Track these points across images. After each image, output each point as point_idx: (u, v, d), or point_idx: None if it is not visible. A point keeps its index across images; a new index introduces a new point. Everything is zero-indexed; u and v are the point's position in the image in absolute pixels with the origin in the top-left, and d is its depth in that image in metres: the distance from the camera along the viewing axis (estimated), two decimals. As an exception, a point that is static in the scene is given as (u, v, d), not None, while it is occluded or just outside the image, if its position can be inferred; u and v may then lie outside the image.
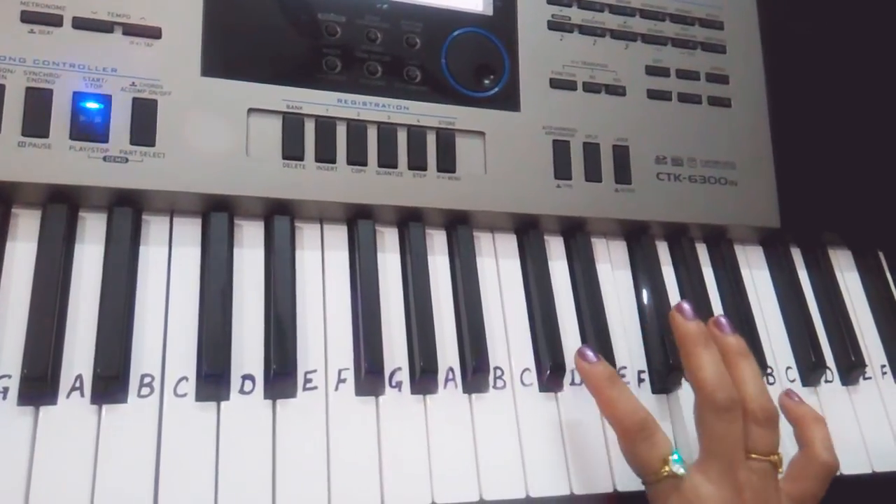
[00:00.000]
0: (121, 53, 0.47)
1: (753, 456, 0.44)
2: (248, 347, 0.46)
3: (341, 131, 0.50)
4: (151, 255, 0.47)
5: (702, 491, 0.43)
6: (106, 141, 0.45)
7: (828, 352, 0.60)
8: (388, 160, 0.51)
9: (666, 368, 0.53)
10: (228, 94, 0.48)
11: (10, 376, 0.41)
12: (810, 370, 0.58)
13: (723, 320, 0.49)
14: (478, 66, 0.55)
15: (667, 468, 0.43)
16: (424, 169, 0.52)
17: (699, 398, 0.46)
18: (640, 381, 0.54)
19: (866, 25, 0.68)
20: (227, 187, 0.47)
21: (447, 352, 0.50)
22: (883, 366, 0.61)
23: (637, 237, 0.58)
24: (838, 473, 0.54)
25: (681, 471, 0.43)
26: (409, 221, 0.52)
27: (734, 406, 0.45)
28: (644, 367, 0.54)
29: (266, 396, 0.45)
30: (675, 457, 0.44)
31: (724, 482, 0.43)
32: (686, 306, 0.48)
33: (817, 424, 0.49)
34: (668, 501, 0.44)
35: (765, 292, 0.61)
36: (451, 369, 0.49)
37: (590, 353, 0.47)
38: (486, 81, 0.55)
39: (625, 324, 0.55)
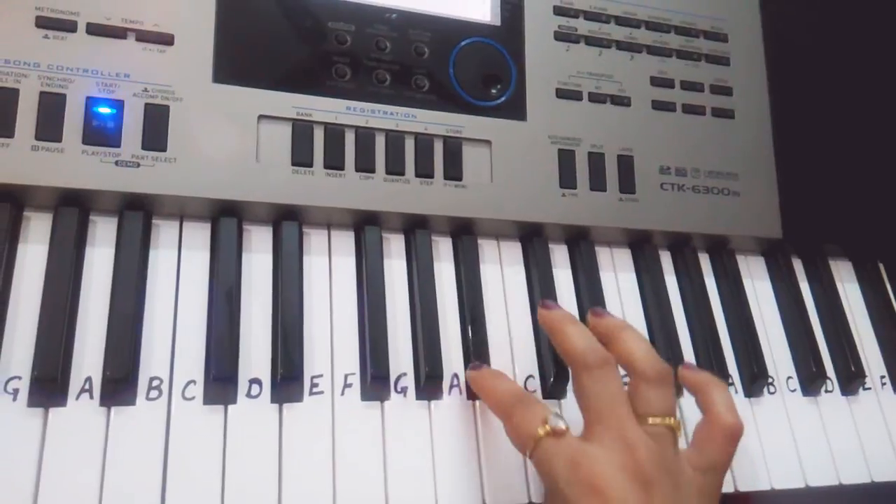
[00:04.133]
0: (134, 59, 0.47)
1: (649, 420, 0.42)
2: (255, 351, 0.46)
3: (350, 138, 0.51)
4: (161, 259, 0.47)
5: (587, 450, 0.40)
6: (118, 146, 0.46)
7: (828, 362, 0.60)
8: (395, 167, 0.51)
9: (668, 377, 0.54)
10: (239, 100, 0.49)
11: (20, 377, 0.42)
12: (810, 380, 0.58)
13: (598, 308, 0.49)
14: (485, 76, 0.55)
15: (546, 426, 0.41)
16: (431, 176, 0.52)
17: (572, 368, 0.44)
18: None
19: (869, 37, 0.69)
20: (236, 193, 0.48)
21: (452, 358, 0.50)
22: (882, 376, 0.62)
23: (641, 246, 0.59)
24: (838, 483, 0.54)
25: (561, 424, 0.41)
26: (416, 228, 0.53)
27: (606, 363, 0.43)
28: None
29: (273, 400, 0.45)
30: (554, 415, 0.42)
31: (611, 442, 0.40)
32: (549, 301, 0.49)
33: (717, 387, 0.46)
34: (553, 466, 0.40)
35: (766, 302, 0.62)
36: (456, 375, 0.50)
37: (475, 364, 0.49)
38: (493, 91, 0.55)
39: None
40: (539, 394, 0.51)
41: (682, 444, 0.45)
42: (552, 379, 0.51)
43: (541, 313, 0.48)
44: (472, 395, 0.49)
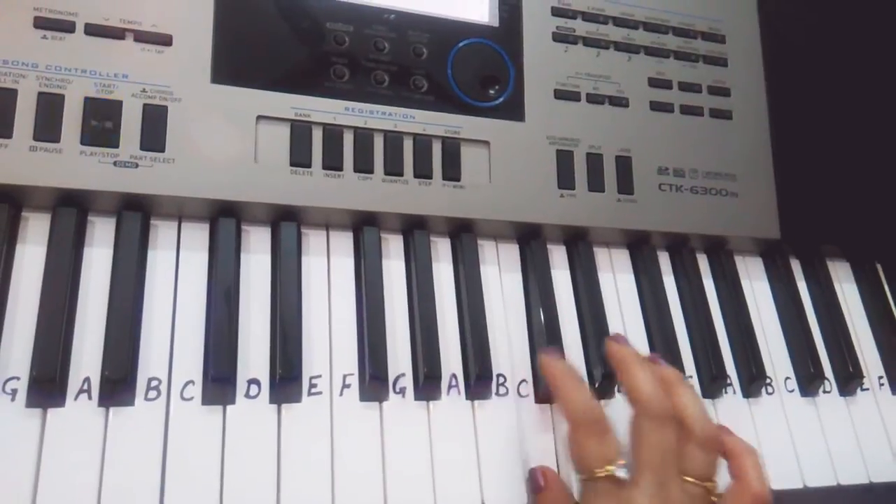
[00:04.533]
0: (132, 60, 0.47)
1: (688, 479, 0.44)
2: (253, 352, 0.46)
3: (348, 139, 0.51)
4: (159, 260, 0.47)
5: (633, 500, 0.43)
6: (116, 146, 0.46)
7: (826, 363, 0.60)
8: (394, 168, 0.51)
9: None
10: (238, 101, 0.49)
11: (18, 378, 0.42)
12: (808, 381, 0.58)
13: (655, 356, 0.50)
14: (483, 77, 0.55)
15: (609, 468, 0.43)
16: (430, 177, 0.52)
17: (636, 409, 0.46)
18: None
19: (867, 38, 0.69)
20: (235, 193, 0.48)
21: (450, 359, 0.50)
22: (880, 377, 0.62)
23: (639, 247, 0.59)
24: (836, 483, 0.55)
25: (622, 474, 0.43)
26: (414, 229, 0.53)
27: (668, 416, 0.45)
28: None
29: (271, 401, 0.45)
30: (622, 462, 0.43)
31: (655, 496, 0.43)
32: (621, 335, 0.50)
33: (749, 455, 0.47)
34: (596, 502, 0.43)
35: (764, 303, 0.62)
36: (455, 376, 0.50)
37: (552, 354, 0.49)
38: (492, 92, 0.56)
39: (626, 332, 0.56)
40: (531, 398, 0.51)
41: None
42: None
43: (610, 347, 0.49)
44: (470, 395, 0.49)
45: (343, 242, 0.52)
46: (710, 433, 0.46)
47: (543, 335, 0.52)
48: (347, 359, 0.48)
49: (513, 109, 0.56)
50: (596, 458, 0.44)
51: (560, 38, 0.58)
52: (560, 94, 0.57)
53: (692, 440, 0.45)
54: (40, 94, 0.45)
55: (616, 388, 0.53)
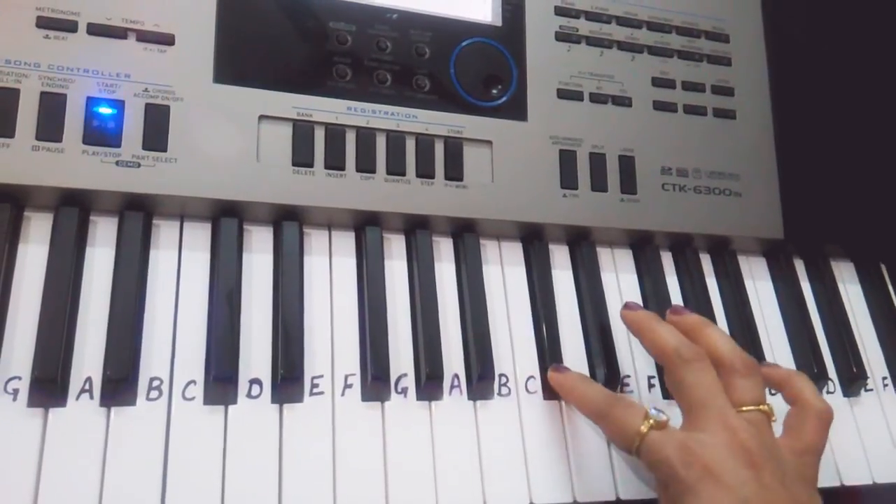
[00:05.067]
0: (134, 59, 0.47)
1: (744, 409, 0.44)
2: (255, 352, 0.46)
3: (350, 139, 0.51)
4: (161, 260, 0.47)
5: (693, 437, 0.42)
6: (118, 146, 0.46)
7: (830, 363, 0.60)
8: (396, 168, 0.51)
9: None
10: (240, 100, 0.49)
11: (20, 378, 0.42)
12: (812, 381, 0.58)
13: (677, 306, 0.51)
14: (486, 76, 0.55)
15: (648, 420, 0.43)
16: (432, 177, 0.52)
17: (666, 364, 0.46)
18: (651, 386, 0.54)
19: (872, 38, 0.69)
20: (237, 193, 0.48)
21: (452, 359, 0.50)
22: (884, 378, 0.62)
23: (642, 247, 0.59)
24: (840, 484, 0.54)
25: (663, 416, 0.43)
26: (417, 229, 0.53)
27: (700, 356, 0.45)
28: (654, 372, 0.54)
29: (273, 401, 0.45)
30: (654, 408, 0.43)
31: (715, 427, 0.42)
32: (631, 302, 0.51)
33: (801, 378, 0.49)
34: (665, 454, 0.42)
35: (768, 303, 0.61)
36: (457, 376, 0.50)
37: (559, 367, 0.50)
38: (494, 91, 0.55)
39: (630, 331, 0.55)
40: (540, 394, 0.51)
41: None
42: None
43: (625, 314, 0.50)
44: (473, 395, 0.49)
45: (345, 242, 0.52)
46: (747, 361, 0.46)
47: (546, 335, 0.52)
48: (349, 359, 0.48)
49: (516, 109, 0.55)
50: (635, 418, 0.43)
51: (563, 37, 0.58)
52: (563, 94, 0.57)
53: (733, 373, 0.45)
54: (42, 93, 0.45)
55: (618, 388, 0.52)
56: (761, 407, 0.44)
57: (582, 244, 0.57)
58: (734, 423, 0.42)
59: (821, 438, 0.46)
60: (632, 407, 0.44)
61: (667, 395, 0.54)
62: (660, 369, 0.54)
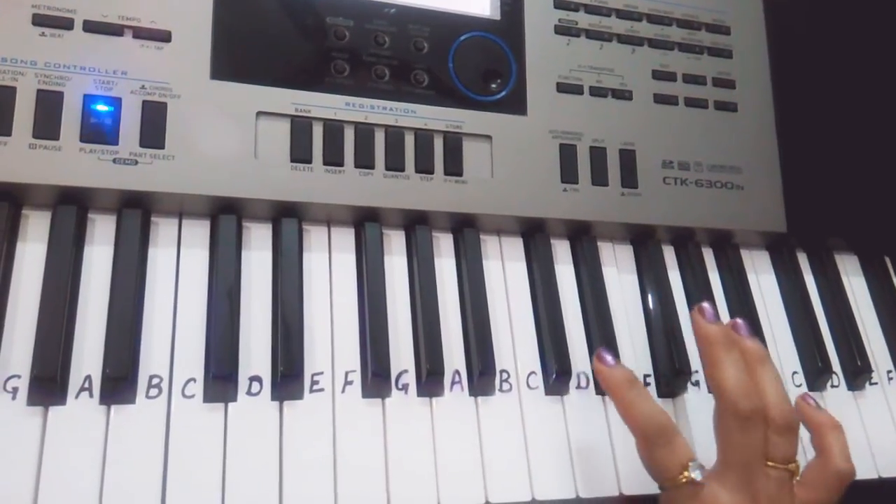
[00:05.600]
0: (131, 56, 0.47)
1: (770, 464, 0.43)
2: (255, 349, 0.46)
3: (349, 134, 0.51)
4: (160, 257, 0.47)
5: (720, 499, 0.42)
6: (116, 143, 0.46)
7: (834, 357, 0.60)
8: (395, 163, 0.51)
9: (672, 372, 0.53)
10: (237, 97, 0.49)
11: (19, 376, 0.42)
12: (816, 375, 0.58)
13: (741, 323, 0.47)
14: (485, 71, 0.55)
15: (686, 474, 0.42)
16: (431, 172, 0.52)
17: (721, 405, 0.44)
18: (646, 384, 0.54)
19: (873, 31, 0.68)
20: (235, 190, 0.48)
21: (453, 354, 0.50)
22: (889, 371, 0.61)
23: (643, 241, 0.58)
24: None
25: (699, 477, 0.42)
26: (416, 224, 0.52)
27: (756, 415, 0.43)
28: (650, 370, 0.54)
29: (273, 398, 0.45)
30: (694, 463, 0.43)
31: (741, 491, 0.42)
32: (707, 307, 0.47)
33: (835, 432, 0.47)
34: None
35: (771, 297, 0.61)
36: (458, 372, 0.49)
37: (608, 357, 0.46)
38: (493, 85, 0.55)
39: (630, 327, 0.55)
40: (542, 389, 0.51)
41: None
42: (555, 376, 0.50)
43: (698, 324, 0.46)
44: (474, 391, 0.49)
45: (344, 238, 0.51)
46: (789, 420, 0.44)
47: (548, 330, 0.52)
48: (349, 355, 0.48)
49: (515, 103, 0.55)
50: (672, 467, 0.43)
51: (562, 30, 0.58)
52: (563, 88, 0.57)
53: (773, 428, 0.44)
54: (39, 91, 0.45)
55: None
56: (789, 466, 0.44)
57: (583, 239, 0.56)
58: (758, 489, 0.42)
59: (835, 499, 0.46)
60: (676, 450, 0.43)
61: (663, 393, 0.54)
62: (656, 368, 0.54)
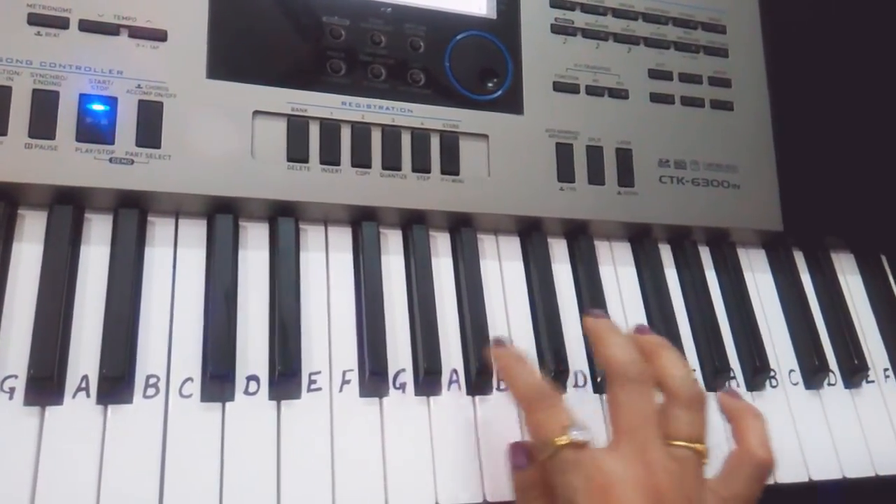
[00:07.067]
0: (127, 56, 0.47)
1: (675, 442, 0.41)
2: (252, 349, 0.46)
3: (346, 134, 0.51)
4: (157, 257, 0.47)
5: (607, 464, 0.39)
6: (112, 143, 0.45)
7: (830, 355, 0.60)
8: (392, 162, 0.51)
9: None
10: (234, 96, 0.48)
11: (16, 376, 0.41)
12: (813, 373, 0.58)
13: (642, 326, 0.48)
14: (481, 70, 0.55)
15: (566, 436, 0.39)
16: (428, 171, 0.52)
17: (609, 375, 0.43)
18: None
19: (869, 29, 0.68)
20: (232, 189, 0.47)
21: (451, 353, 0.50)
22: (886, 369, 0.62)
23: (640, 240, 0.58)
24: (842, 476, 0.54)
25: (581, 437, 0.40)
26: (413, 223, 0.52)
27: (644, 378, 0.42)
28: (647, 368, 0.54)
29: (270, 397, 0.45)
30: (577, 426, 0.40)
31: (633, 459, 0.39)
32: (596, 310, 0.48)
33: (754, 419, 0.45)
34: (569, 478, 0.39)
35: (767, 295, 0.61)
36: (455, 371, 0.49)
37: (503, 340, 0.46)
38: (490, 84, 0.55)
39: (627, 326, 0.55)
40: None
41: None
42: (552, 374, 0.50)
43: (586, 321, 0.46)
44: (471, 390, 0.49)
45: (341, 238, 0.51)
46: (692, 394, 0.42)
47: (545, 329, 0.52)
48: (347, 354, 0.48)
49: (511, 102, 0.55)
50: (553, 428, 0.40)
51: (559, 29, 0.58)
52: (559, 87, 0.57)
53: (676, 402, 0.42)
54: (35, 91, 0.45)
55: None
56: (695, 445, 0.41)
57: (580, 238, 0.56)
58: (653, 459, 0.39)
59: (752, 490, 0.42)
60: (555, 413, 0.41)
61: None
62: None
